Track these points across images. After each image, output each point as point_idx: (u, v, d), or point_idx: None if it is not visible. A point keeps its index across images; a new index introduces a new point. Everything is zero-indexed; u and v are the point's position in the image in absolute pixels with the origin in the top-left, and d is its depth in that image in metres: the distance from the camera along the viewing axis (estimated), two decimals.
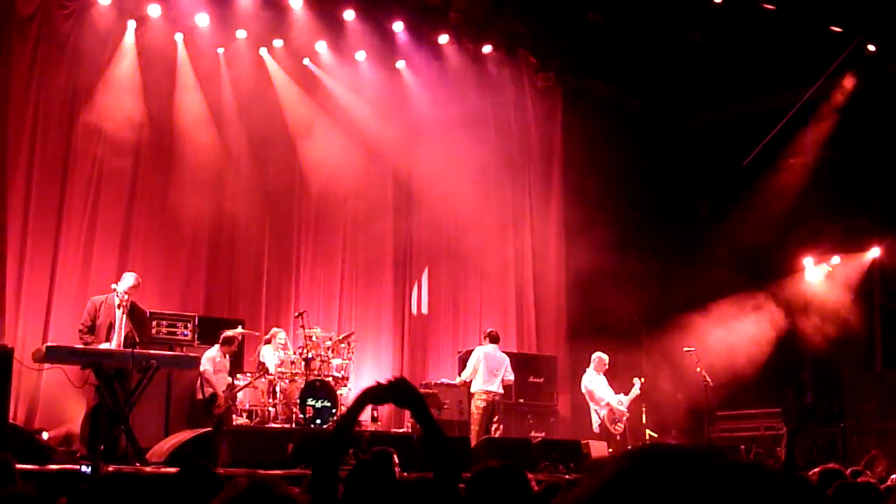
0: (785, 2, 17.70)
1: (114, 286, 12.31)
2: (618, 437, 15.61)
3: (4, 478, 5.19)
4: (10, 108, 15.16)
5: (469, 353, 16.26)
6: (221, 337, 14.28)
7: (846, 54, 18.05)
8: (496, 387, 15.54)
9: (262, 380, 14.59)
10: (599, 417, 15.76)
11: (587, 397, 16.01)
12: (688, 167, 20.42)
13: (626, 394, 15.93)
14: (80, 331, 12.11)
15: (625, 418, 15.78)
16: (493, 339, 15.91)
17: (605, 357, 16.18)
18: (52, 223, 15.38)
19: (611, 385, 16.07)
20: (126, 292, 12.18)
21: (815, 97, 18.31)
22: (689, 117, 20.37)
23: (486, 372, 15.54)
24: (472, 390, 15.59)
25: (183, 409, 13.91)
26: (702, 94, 19.74)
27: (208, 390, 13.90)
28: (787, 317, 18.36)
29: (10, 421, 11.67)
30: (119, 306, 12.16)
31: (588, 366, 16.20)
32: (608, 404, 15.71)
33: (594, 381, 15.97)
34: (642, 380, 16.04)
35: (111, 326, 12.12)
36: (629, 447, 14.30)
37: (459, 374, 16.22)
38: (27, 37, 15.42)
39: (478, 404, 15.44)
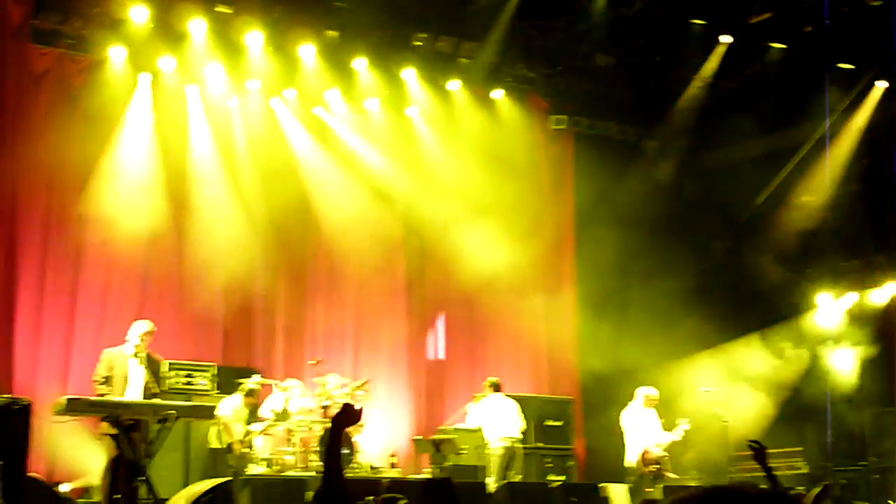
0: (796, 40, 17.77)
1: (127, 338, 12.30)
2: (651, 478, 15.36)
3: None
4: (26, 161, 15.32)
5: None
6: (246, 387, 14.30)
7: (859, 90, 18.09)
8: (511, 432, 15.47)
9: (279, 428, 14.58)
10: (635, 455, 15.55)
11: (625, 432, 15.79)
12: (702, 207, 20.41)
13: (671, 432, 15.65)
14: (95, 382, 12.08)
15: (663, 461, 15.44)
16: (497, 388, 15.89)
17: (653, 393, 15.83)
18: (68, 274, 15.49)
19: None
20: (140, 337, 12.16)
21: (830, 133, 18.32)
22: (703, 156, 20.36)
23: (500, 419, 15.47)
24: (488, 438, 15.51)
25: (202, 458, 13.86)
26: (715, 133, 19.75)
27: (226, 438, 13.88)
28: (805, 355, 18.27)
29: (30, 474, 11.67)
30: (135, 356, 12.13)
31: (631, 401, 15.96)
32: (642, 444, 15.48)
33: (632, 418, 15.72)
34: (686, 423, 15.67)
35: (126, 378, 12.09)
36: (646, 490, 14.16)
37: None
38: (41, 92, 15.64)
39: (495, 450, 15.36)
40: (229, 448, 13.84)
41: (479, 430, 16.02)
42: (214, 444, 14.00)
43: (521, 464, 15.75)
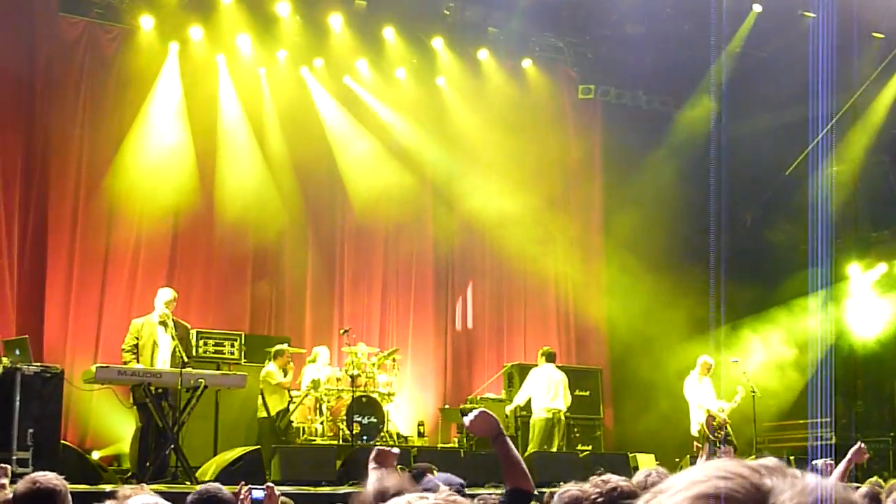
0: (825, 9, 17.59)
1: (154, 306, 12.42)
2: (718, 444, 15.38)
3: None
4: (59, 129, 15.46)
5: (514, 367, 16.26)
6: (273, 352, 14.42)
7: (889, 59, 17.92)
8: (558, 404, 15.47)
9: (308, 397, 14.70)
10: (698, 423, 15.54)
11: (689, 401, 15.79)
12: (731, 177, 20.29)
13: (729, 401, 15.66)
14: (124, 350, 12.18)
15: (727, 425, 15.48)
16: (550, 357, 15.84)
17: (710, 360, 15.73)
18: (100, 242, 15.60)
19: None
20: (165, 305, 12.26)
21: (859, 103, 18.17)
22: (733, 126, 20.22)
23: (546, 390, 15.46)
24: (534, 407, 15.48)
25: (231, 427, 13.93)
26: (744, 103, 19.62)
27: (272, 407, 14.02)
28: (835, 325, 18.20)
29: (62, 441, 11.81)
30: (161, 323, 12.23)
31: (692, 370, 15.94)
32: (708, 410, 15.46)
33: (694, 385, 15.72)
34: (743, 390, 15.67)
35: (155, 345, 12.19)
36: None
37: (504, 389, 16.25)
38: (73, 61, 15.72)
39: (538, 420, 15.35)
40: (278, 415, 13.98)
41: (506, 399, 16.08)
42: (262, 414, 14.14)
43: (562, 436, 15.74)
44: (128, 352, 12.11)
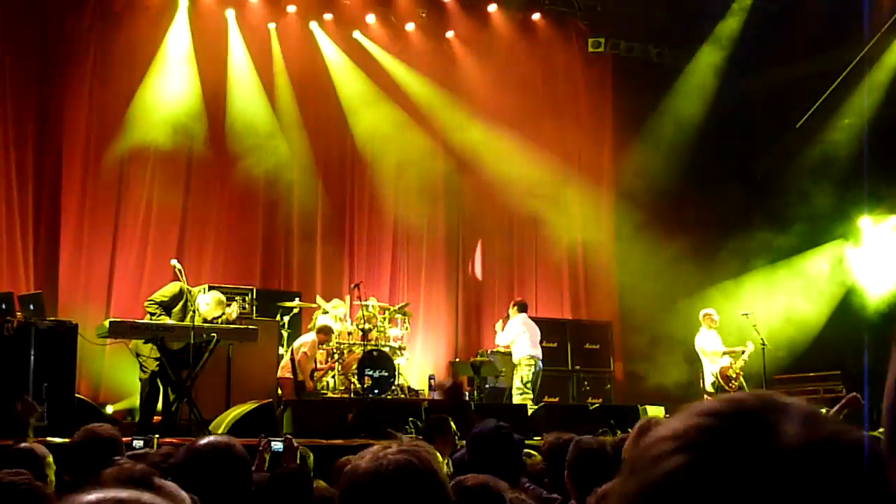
0: None
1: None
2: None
3: None
4: (70, 85, 15.46)
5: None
6: (320, 326, 14.40)
7: None
8: (539, 352, 15.48)
9: (320, 350, 14.74)
10: (712, 375, 15.53)
11: (700, 355, 15.87)
12: (742, 130, 20.24)
13: (737, 357, 15.61)
14: (153, 302, 12.04)
15: (741, 377, 15.44)
16: (523, 307, 15.81)
17: (713, 312, 15.78)
18: (111, 198, 15.65)
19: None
20: (214, 308, 12.21)
21: (871, 55, 18.05)
22: (743, 79, 20.14)
23: (531, 337, 15.46)
24: (520, 356, 15.41)
25: (243, 382, 14.00)
26: (755, 55, 19.54)
27: (300, 375, 14.04)
28: (844, 279, 18.20)
29: (76, 395, 11.90)
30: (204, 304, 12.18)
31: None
32: (718, 365, 15.41)
33: (705, 338, 15.78)
34: (752, 344, 15.69)
35: (197, 314, 12.15)
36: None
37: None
38: (83, 15, 15.69)
39: (530, 369, 15.34)
40: (302, 386, 14.01)
41: (505, 348, 16.13)
42: (285, 375, 14.15)
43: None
44: (156, 303, 11.96)
